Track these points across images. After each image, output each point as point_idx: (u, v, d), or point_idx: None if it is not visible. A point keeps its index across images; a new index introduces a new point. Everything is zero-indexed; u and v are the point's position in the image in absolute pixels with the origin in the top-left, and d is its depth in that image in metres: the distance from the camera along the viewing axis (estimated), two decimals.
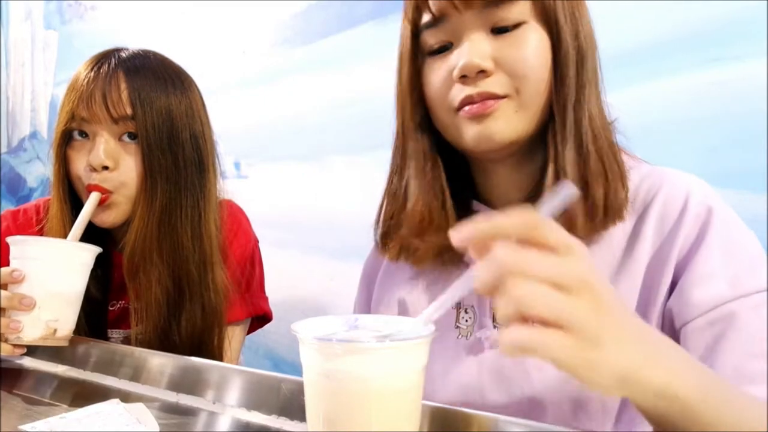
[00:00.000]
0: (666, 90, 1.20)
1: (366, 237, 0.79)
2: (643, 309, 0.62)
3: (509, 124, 0.64)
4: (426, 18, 0.65)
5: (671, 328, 0.61)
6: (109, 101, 0.88)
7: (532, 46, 0.62)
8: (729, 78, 1.13)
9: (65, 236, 0.88)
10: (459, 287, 0.44)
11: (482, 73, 0.62)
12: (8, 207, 1.11)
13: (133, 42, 1.05)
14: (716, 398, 0.44)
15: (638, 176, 0.67)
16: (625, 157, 0.67)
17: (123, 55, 0.95)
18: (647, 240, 0.63)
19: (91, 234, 0.91)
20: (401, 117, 0.71)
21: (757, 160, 1.10)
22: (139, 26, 2.18)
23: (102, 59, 0.93)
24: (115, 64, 0.92)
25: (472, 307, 0.70)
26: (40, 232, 0.98)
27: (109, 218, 0.92)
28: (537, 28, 0.63)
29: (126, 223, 0.93)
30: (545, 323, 0.39)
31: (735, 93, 1.13)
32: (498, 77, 0.63)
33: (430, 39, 0.66)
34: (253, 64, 1.93)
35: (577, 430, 0.61)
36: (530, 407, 0.64)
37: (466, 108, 0.64)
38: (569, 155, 0.63)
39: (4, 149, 2.70)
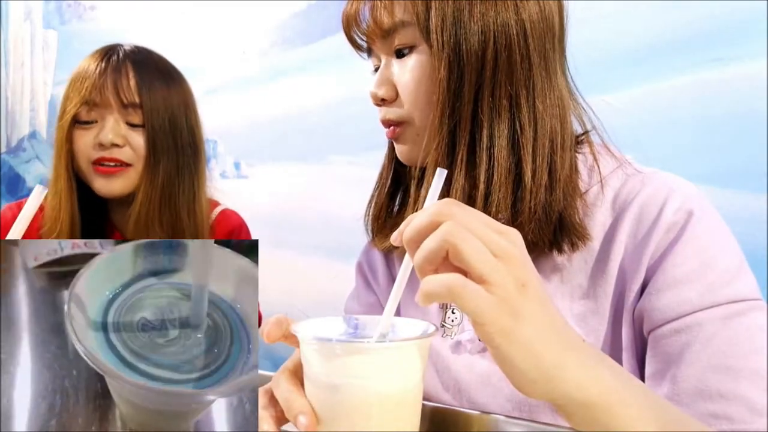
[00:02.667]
0: (666, 90, 1.20)
1: (365, 236, 0.79)
2: (615, 310, 0.62)
3: (413, 147, 0.67)
4: (355, 49, 0.70)
5: (641, 333, 0.60)
6: (120, 88, 0.99)
7: (417, 71, 0.64)
8: (729, 78, 1.13)
9: (72, 212, 0.99)
10: (402, 270, 0.45)
11: (384, 100, 0.67)
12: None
13: (134, 42, 1.07)
14: (639, 407, 0.44)
15: (623, 177, 0.65)
16: (608, 159, 0.67)
17: (127, 48, 1.04)
18: (622, 241, 0.62)
19: (92, 218, 1.03)
20: None
21: (757, 160, 1.10)
22: (138, 26, 2.18)
23: (108, 52, 1.03)
24: (122, 56, 1.02)
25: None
26: (35, 219, 1.00)
27: (117, 187, 1.01)
28: (426, 50, 0.63)
29: (127, 202, 1.03)
30: (468, 275, 0.39)
31: (735, 93, 1.13)
32: (398, 102, 0.66)
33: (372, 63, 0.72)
34: (253, 64, 1.92)
35: (576, 430, 0.61)
36: (512, 408, 0.64)
37: (384, 127, 0.69)
38: (460, 180, 0.61)
39: (3, 149, 2.70)
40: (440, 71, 0.61)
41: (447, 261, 0.40)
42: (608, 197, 0.64)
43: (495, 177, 0.61)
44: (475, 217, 0.41)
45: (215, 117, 1.05)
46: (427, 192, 0.48)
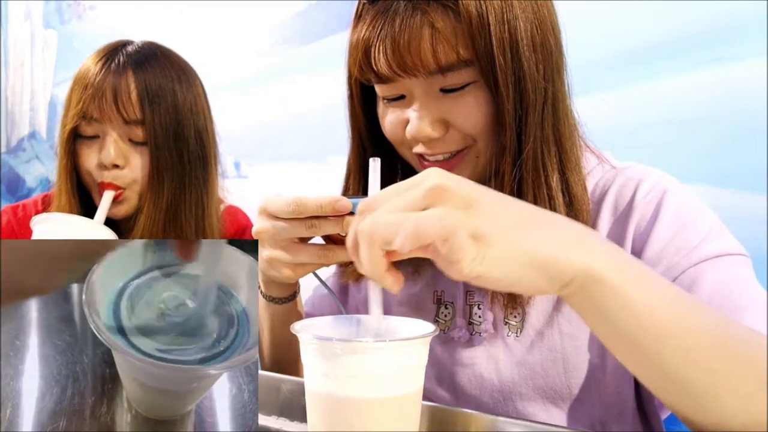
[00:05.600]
0: (666, 90, 1.20)
1: None
2: None
3: (474, 171, 0.66)
4: (372, 76, 0.63)
5: None
6: (120, 103, 0.90)
7: (480, 105, 0.62)
8: (729, 78, 1.13)
9: None
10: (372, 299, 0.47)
11: (434, 138, 0.63)
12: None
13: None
14: (644, 282, 0.43)
15: (600, 174, 0.69)
16: (589, 156, 0.70)
17: (130, 49, 0.96)
18: (603, 229, 0.66)
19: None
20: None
21: (757, 160, 1.10)
22: (138, 26, 2.18)
23: (110, 54, 0.94)
24: (123, 60, 0.93)
25: (452, 303, 0.72)
26: None
27: (120, 212, 0.95)
28: (483, 86, 0.61)
29: (132, 217, 0.96)
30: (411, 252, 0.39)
31: (735, 93, 1.13)
32: (451, 135, 0.63)
33: (381, 91, 0.66)
34: (253, 64, 1.92)
35: (576, 430, 0.62)
36: (503, 399, 0.67)
37: (426, 162, 0.66)
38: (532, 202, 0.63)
39: (3, 149, 2.70)
40: (507, 104, 0.60)
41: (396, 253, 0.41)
42: (588, 192, 0.67)
43: (556, 202, 0.63)
44: (381, 200, 0.42)
45: (215, 117, 1.04)
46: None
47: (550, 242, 0.41)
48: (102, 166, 0.92)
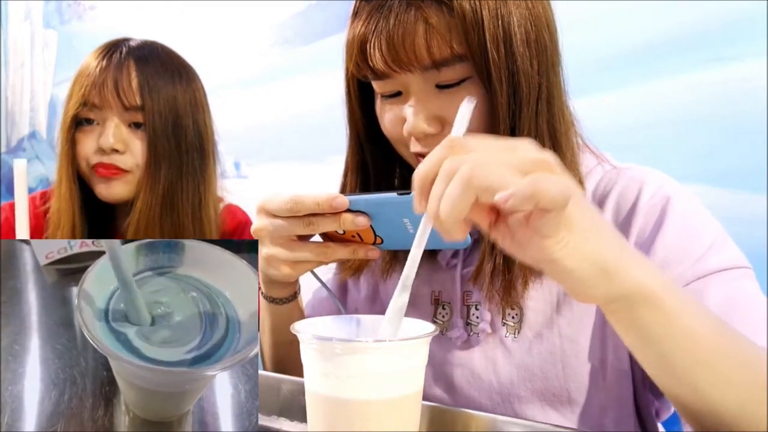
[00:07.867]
0: (666, 90, 1.20)
1: None
2: None
3: None
4: (368, 72, 0.64)
5: None
6: (121, 89, 0.93)
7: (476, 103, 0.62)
8: (729, 78, 1.13)
9: (74, 217, 0.96)
10: (420, 231, 0.44)
11: (430, 134, 0.63)
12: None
13: None
14: (692, 310, 0.45)
15: (600, 174, 0.69)
16: (588, 156, 0.69)
17: (132, 44, 0.99)
18: None
19: (96, 219, 0.99)
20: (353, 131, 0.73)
21: (756, 160, 1.10)
22: (138, 26, 2.18)
23: (112, 48, 0.97)
24: (125, 52, 0.96)
25: (449, 303, 0.72)
26: (39, 221, 1.04)
27: (117, 191, 0.97)
28: (478, 82, 0.62)
29: (129, 205, 0.98)
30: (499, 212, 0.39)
31: (735, 93, 1.13)
32: (447, 132, 0.63)
33: (378, 87, 0.66)
34: (253, 64, 1.92)
35: (576, 430, 0.62)
36: (501, 401, 0.66)
37: (421, 159, 0.65)
38: None
39: (3, 149, 2.70)
40: (501, 98, 0.60)
41: (475, 205, 0.39)
42: (588, 193, 0.67)
43: None
44: (479, 145, 0.41)
45: (215, 117, 1.05)
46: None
47: (619, 251, 0.42)
48: (101, 152, 0.94)
